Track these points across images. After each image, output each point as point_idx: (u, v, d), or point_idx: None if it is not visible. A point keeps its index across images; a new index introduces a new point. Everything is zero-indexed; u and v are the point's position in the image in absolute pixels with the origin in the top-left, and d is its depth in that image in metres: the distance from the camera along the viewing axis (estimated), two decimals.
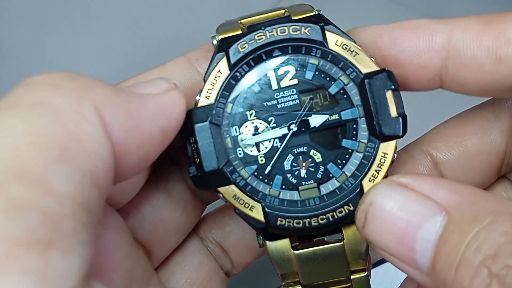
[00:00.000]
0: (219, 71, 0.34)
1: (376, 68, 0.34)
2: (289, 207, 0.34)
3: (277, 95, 0.35)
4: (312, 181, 0.35)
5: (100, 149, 0.26)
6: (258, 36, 0.34)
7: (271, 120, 0.35)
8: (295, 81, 0.35)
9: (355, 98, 0.34)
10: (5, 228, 0.22)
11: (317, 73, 0.35)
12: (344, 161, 0.34)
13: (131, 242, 0.34)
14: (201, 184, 0.34)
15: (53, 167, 0.24)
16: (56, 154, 0.24)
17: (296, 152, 0.35)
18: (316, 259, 0.35)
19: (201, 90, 0.34)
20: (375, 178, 0.34)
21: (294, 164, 0.35)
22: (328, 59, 0.34)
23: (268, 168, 0.35)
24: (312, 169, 0.35)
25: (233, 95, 0.34)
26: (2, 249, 0.21)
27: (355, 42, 0.34)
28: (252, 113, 0.35)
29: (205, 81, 0.34)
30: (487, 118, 0.37)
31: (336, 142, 0.35)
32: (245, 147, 0.35)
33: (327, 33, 0.34)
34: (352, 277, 0.36)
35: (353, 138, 0.34)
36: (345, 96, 0.35)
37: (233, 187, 0.34)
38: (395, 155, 0.34)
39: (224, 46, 0.34)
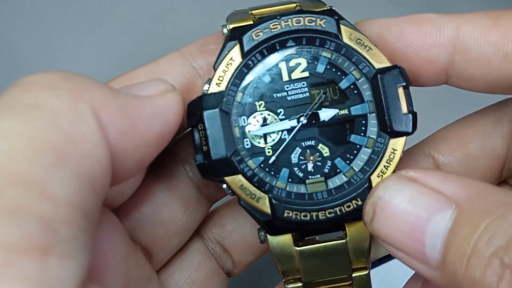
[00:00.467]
0: (231, 59, 0.34)
1: (388, 64, 0.34)
2: (296, 200, 0.33)
3: (287, 87, 0.35)
4: (319, 175, 0.35)
5: (98, 152, 0.25)
6: (273, 25, 0.34)
7: (280, 112, 0.35)
8: (306, 74, 0.35)
9: (366, 93, 0.34)
10: (1, 234, 0.21)
11: (328, 66, 0.35)
12: (352, 156, 0.34)
13: (128, 244, 0.33)
14: (208, 173, 0.33)
15: (50, 171, 0.23)
16: (53, 157, 0.23)
17: (304, 145, 0.35)
18: (318, 256, 0.35)
19: (211, 78, 0.34)
20: (384, 173, 0.33)
21: (301, 157, 0.35)
22: (342, 52, 0.34)
23: (273, 158, 0.34)
24: (319, 163, 0.35)
25: (243, 83, 0.34)
26: None
27: (367, 37, 0.34)
28: (261, 103, 0.34)
29: (215, 69, 0.34)
30: (489, 122, 0.38)
31: (344, 137, 0.35)
32: (253, 138, 0.34)
33: (341, 26, 0.34)
34: (353, 275, 0.36)
35: (362, 134, 0.34)
36: (355, 91, 0.35)
37: (240, 177, 0.33)
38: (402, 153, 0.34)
39: (237, 34, 0.34)
